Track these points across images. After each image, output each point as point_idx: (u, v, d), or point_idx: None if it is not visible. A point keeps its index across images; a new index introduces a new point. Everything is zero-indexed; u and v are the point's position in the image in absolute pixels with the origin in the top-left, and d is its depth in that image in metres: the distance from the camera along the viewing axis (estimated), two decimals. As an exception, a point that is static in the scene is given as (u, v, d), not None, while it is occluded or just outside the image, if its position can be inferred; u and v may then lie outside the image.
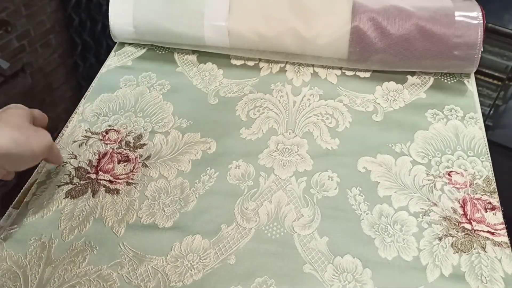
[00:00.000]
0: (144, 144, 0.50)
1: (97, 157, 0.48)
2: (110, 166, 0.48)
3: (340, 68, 0.57)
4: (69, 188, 0.46)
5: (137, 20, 0.57)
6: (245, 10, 0.55)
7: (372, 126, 0.51)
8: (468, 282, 0.39)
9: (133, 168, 0.48)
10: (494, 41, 1.10)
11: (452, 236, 0.42)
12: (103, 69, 0.58)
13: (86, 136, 0.51)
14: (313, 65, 0.57)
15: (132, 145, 0.50)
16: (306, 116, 0.52)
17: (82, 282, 0.40)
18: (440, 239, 0.42)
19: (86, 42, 1.56)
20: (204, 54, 0.59)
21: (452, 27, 0.51)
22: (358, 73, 0.56)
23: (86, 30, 1.54)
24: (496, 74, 1.14)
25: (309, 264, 0.41)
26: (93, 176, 0.47)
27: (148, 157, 0.48)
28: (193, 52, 0.60)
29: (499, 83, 1.15)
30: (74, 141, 0.50)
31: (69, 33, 1.55)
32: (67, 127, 0.52)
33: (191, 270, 0.40)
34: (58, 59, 1.57)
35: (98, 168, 0.47)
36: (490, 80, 1.16)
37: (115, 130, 0.51)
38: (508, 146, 1.17)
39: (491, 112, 1.19)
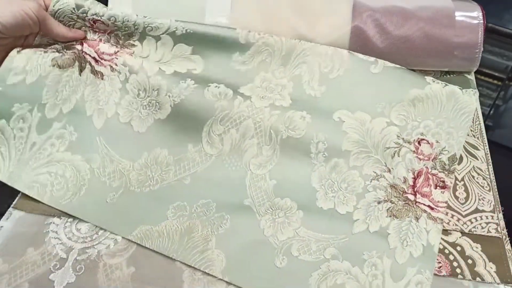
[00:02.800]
0: (132, 45, 0.49)
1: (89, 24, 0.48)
2: (95, 42, 0.48)
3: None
4: (55, 56, 0.46)
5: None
6: (245, 10, 0.55)
7: (365, 79, 0.50)
8: (388, 242, 0.41)
9: (118, 51, 0.48)
10: (494, 41, 1.10)
11: (391, 203, 0.43)
12: None
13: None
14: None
15: (120, 38, 0.49)
16: (305, 54, 0.50)
17: (58, 165, 0.44)
18: (379, 202, 0.43)
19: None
20: None
21: (453, 27, 0.51)
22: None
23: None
24: (496, 74, 1.14)
25: (250, 198, 0.44)
26: (79, 47, 0.47)
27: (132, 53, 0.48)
28: None
29: (499, 83, 1.15)
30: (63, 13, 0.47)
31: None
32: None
33: (151, 181, 0.45)
34: (58, 58, 1.56)
35: (83, 40, 0.48)
36: (490, 80, 1.16)
37: (102, 22, 0.48)
38: (508, 146, 1.17)
39: (491, 112, 1.19)
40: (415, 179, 0.45)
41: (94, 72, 0.46)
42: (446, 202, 0.43)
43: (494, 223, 0.43)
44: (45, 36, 0.47)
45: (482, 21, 0.51)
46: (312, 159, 0.46)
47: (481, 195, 0.45)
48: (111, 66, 0.47)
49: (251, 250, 0.41)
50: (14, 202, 0.44)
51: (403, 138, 0.46)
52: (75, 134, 0.46)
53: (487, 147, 0.49)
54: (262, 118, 0.46)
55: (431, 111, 0.48)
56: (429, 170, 0.45)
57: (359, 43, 0.52)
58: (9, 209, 0.44)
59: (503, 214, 0.44)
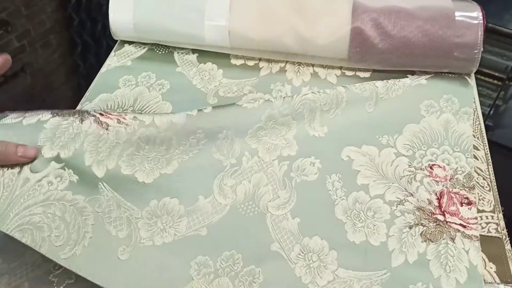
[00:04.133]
0: (142, 121, 0.46)
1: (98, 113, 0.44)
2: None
3: (340, 68, 0.57)
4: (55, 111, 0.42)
5: (137, 17, 0.57)
6: (245, 10, 0.55)
7: (362, 118, 0.50)
8: (431, 271, 0.40)
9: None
10: (494, 41, 1.10)
11: (423, 226, 0.42)
12: (103, 69, 0.58)
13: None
14: (313, 65, 0.57)
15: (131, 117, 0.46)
16: (304, 93, 0.50)
17: (57, 205, 0.39)
18: (410, 227, 0.42)
19: (86, 42, 1.56)
20: (203, 54, 0.59)
21: (452, 27, 0.51)
22: (358, 73, 0.56)
23: (86, 30, 1.54)
24: (496, 74, 1.14)
25: (277, 242, 0.41)
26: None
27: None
28: (193, 52, 0.60)
29: (499, 83, 1.15)
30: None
31: (69, 33, 1.55)
32: None
33: (163, 233, 0.41)
34: (58, 59, 1.57)
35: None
36: (490, 80, 1.16)
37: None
38: (508, 146, 1.17)
39: (491, 112, 1.19)
40: (439, 199, 0.44)
41: (98, 122, 0.42)
42: (476, 218, 0.43)
43: (494, 223, 0.43)
44: None
45: (482, 21, 0.51)
46: (331, 196, 0.44)
47: (481, 195, 0.45)
48: (118, 119, 0.43)
49: None
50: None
51: (414, 167, 0.46)
52: (75, 176, 0.41)
53: (487, 147, 0.49)
54: (273, 170, 0.46)
55: (433, 140, 0.48)
56: (450, 189, 0.44)
57: (359, 43, 0.52)
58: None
59: (503, 214, 0.44)
